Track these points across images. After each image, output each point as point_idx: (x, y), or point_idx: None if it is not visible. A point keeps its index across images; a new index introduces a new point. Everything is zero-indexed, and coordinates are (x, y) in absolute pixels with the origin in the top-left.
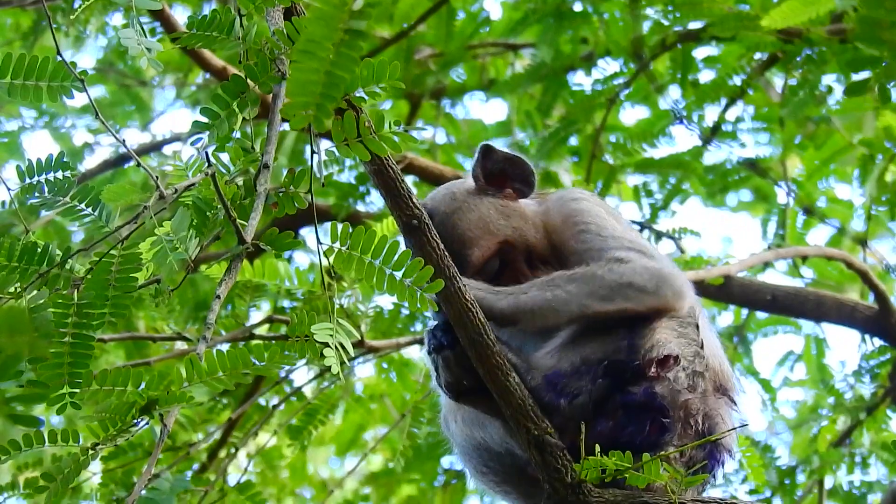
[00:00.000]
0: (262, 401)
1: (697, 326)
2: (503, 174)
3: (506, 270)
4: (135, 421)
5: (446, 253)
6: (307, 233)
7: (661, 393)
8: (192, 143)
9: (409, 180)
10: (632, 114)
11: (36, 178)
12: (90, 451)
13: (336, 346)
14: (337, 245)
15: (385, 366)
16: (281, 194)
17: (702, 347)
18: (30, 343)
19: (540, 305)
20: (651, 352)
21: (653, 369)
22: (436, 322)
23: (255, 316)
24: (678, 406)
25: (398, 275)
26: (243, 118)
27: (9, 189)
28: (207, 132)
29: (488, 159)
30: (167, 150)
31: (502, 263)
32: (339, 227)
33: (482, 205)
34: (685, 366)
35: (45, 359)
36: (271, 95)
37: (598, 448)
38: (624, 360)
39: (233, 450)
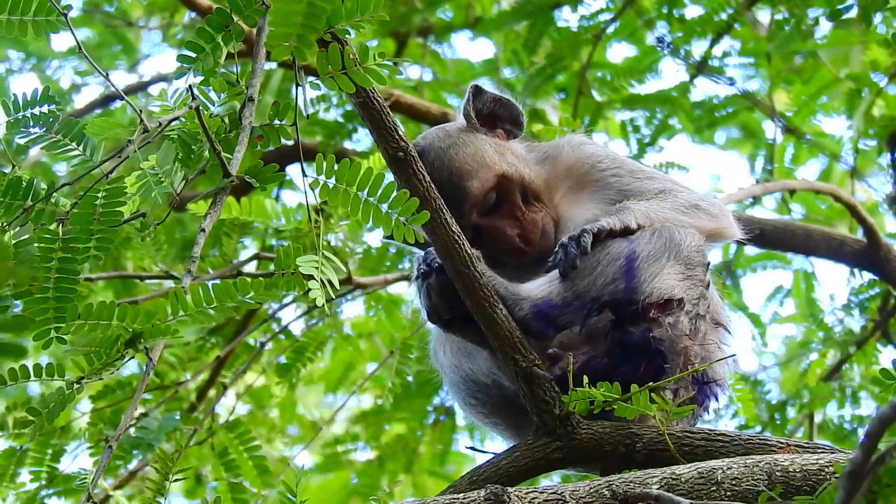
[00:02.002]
0: (250, 340)
1: (707, 266)
2: (493, 115)
3: (502, 205)
4: (120, 354)
5: (433, 185)
6: (294, 171)
7: (660, 337)
8: (177, 78)
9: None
10: (619, 51)
11: (21, 114)
12: (75, 385)
13: (322, 280)
14: (323, 178)
15: (374, 304)
16: (266, 127)
17: (707, 288)
18: (10, 270)
19: (643, 212)
20: (651, 296)
21: (653, 312)
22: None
23: (243, 255)
24: (678, 352)
25: (384, 207)
26: (228, 53)
27: None
28: (192, 66)
29: (478, 99)
30: (153, 90)
31: (498, 198)
32: (325, 160)
33: (476, 140)
34: (688, 309)
35: (30, 293)
36: (256, 29)
37: (585, 379)
38: (621, 300)
39: (222, 388)
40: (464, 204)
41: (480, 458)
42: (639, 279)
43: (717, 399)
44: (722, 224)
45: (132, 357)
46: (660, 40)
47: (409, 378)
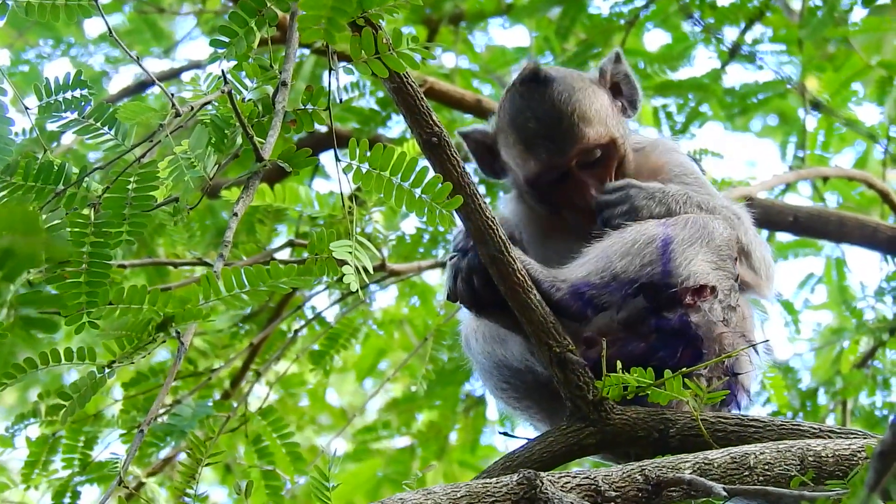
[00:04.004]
0: (283, 327)
1: (736, 260)
2: (617, 86)
3: (597, 167)
4: (151, 338)
5: (467, 170)
6: (328, 158)
7: (697, 322)
8: (211, 63)
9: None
10: (652, 39)
11: (53, 98)
12: (107, 370)
13: (355, 264)
14: (356, 163)
15: (407, 290)
16: (299, 111)
17: (736, 281)
18: (44, 244)
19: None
20: (688, 280)
21: (689, 297)
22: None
23: (277, 243)
24: (713, 339)
25: (417, 191)
26: (261, 39)
27: (27, 109)
28: (225, 50)
29: (615, 65)
30: (186, 76)
31: (599, 158)
32: (358, 145)
33: (606, 98)
34: (721, 299)
35: (62, 278)
36: (289, 14)
37: (619, 365)
38: (658, 284)
39: (256, 375)
40: (572, 145)
41: (513, 445)
42: (675, 263)
43: (747, 394)
44: (759, 281)
45: (163, 341)
46: (693, 19)
47: (445, 358)
